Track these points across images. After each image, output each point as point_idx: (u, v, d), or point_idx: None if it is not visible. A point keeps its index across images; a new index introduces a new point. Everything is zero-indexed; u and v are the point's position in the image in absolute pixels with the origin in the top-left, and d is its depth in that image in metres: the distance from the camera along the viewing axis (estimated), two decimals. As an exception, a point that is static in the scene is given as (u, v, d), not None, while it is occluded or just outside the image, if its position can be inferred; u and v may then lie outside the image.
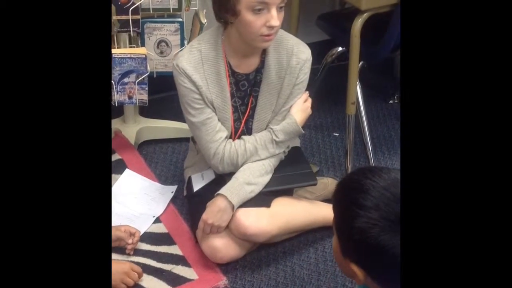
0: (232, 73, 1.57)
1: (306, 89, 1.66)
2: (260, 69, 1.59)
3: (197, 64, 1.53)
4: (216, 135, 1.59)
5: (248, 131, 1.66)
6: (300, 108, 1.63)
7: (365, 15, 1.76)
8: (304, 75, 1.60)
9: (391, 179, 0.88)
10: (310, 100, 1.66)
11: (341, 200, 0.94)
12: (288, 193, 1.71)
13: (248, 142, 1.60)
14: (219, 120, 1.60)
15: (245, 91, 1.61)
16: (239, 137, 1.64)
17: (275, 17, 1.42)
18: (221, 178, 1.65)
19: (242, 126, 1.64)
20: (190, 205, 1.77)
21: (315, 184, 1.70)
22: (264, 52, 1.57)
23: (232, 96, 1.59)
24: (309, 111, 1.65)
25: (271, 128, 1.61)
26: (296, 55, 1.57)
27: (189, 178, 1.76)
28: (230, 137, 1.64)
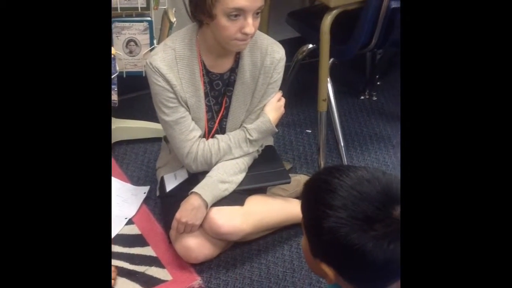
0: (207, 73, 1.57)
1: (279, 88, 1.67)
2: (234, 69, 1.58)
3: (171, 63, 1.52)
4: (190, 134, 1.58)
5: (222, 130, 1.65)
6: (274, 106, 1.63)
7: (334, 12, 1.77)
8: (278, 74, 1.60)
9: (357, 178, 0.88)
10: (283, 99, 1.66)
11: (309, 200, 0.93)
12: (261, 191, 1.71)
13: (222, 141, 1.60)
14: (192, 119, 1.59)
15: (219, 91, 1.60)
16: (212, 136, 1.64)
17: (250, 25, 1.41)
18: (194, 178, 1.64)
19: (216, 126, 1.63)
20: (163, 206, 1.76)
21: (288, 182, 1.70)
22: (238, 53, 1.56)
23: (206, 95, 1.59)
24: (282, 110, 1.66)
25: (245, 127, 1.61)
26: (270, 54, 1.57)
27: (162, 178, 1.74)
28: (204, 136, 1.63)
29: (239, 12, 1.39)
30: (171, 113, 1.55)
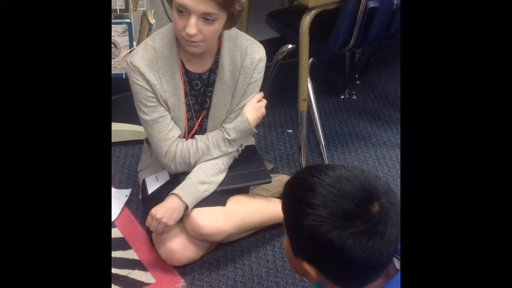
0: (186, 72, 1.57)
1: (260, 88, 1.67)
2: (214, 70, 1.58)
3: (151, 62, 1.52)
4: (169, 133, 1.58)
5: (203, 131, 1.65)
6: (253, 106, 1.63)
7: (313, 12, 1.78)
8: (258, 74, 1.60)
9: (336, 176, 0.89)
10: (264, 100, 1.66)
11: (290, 200, 0.94)
12: (243, 191, 1.72)
13: (200, 141, 1.60)
14: (172, 118, 1.58)
15: (199, 91, 1.60)
16: (192, 136, 1.64)
17: (191, 25, 1.39)
18: (176, 179, 1.63)
19: (196, 126, 1.63)
20: (145, 208, 1.75)
21: (269, 182, 1.71)
22: (217, 53, 1.56)
23: (186, 94, 1.59)
24: (262, 110, 1.66)
25: (223, 127, 1.61)
26: (250, 55, 1.57)
27: (143, 181, 1.73)
28: (184, 136, 1.63)
29: (183, 10, 1.39)
30: (150, 112, 1.55)
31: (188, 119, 1.62)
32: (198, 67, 1.57)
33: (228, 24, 1.48)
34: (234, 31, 1.56)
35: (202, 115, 1.63)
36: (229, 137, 1.60)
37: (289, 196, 0.95)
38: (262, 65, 1.60)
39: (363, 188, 0.88)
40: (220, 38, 1.55)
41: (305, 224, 0.87)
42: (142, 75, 1.51)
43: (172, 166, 1.61)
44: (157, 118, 1.56)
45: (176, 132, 1.59)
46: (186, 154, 1.59)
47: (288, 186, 0.96)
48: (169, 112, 1.58)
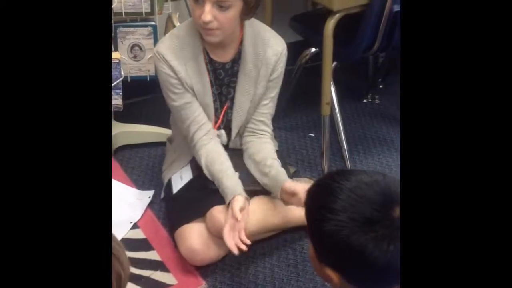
0: (210, 60, 1.60)
1: (282, 91, 1.67)
2: (237, 60, 1.61)
3: (176, 50, 1.56)
4: (196, 118, 1.61)
5: (228, 122, 1.67)
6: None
7: (337, 16, 1.78)
8: (281, 68, 1.63)
9: (357, 181, 0.90)
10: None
11: (311, 205, 0.95)
12: (265, 193, 1.72)
13: (210, 164, 1.60)
14: (201, 105, 1.61)
15: (222, 80, 1.63)
16: (219, 126, 1.66)
17: (205, 12, 1.43)
18: (199, 178, 1.64)
19: (221, 116, 1.66)
20: (168, 209, 1.77)
21: None
22: (240, 43, 1.59)
23: (211, 84, 1.61)
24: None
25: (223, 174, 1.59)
26: (272, 46, 1.60)
27: (169, 180, 1.75)
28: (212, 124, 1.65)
29: None
30: (177, 99, 1.59)
31: (215, 109, 1.64)
32: (222, 57, 1.60)
33: (245, 12, 1.50)
34: (256, 22, 1.60)
35: (226, 106, 1.65)
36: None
37: (311, 202, 0.96)
38: (284, 59, 1.63)
39: (383, 193, 0.88)
40: (242, 29, 1.56)
41: (325, 229, 0.88)
42: (167, 62, 1.55)
43: (196, 158, 1.64)
44: (184, 104, 1.59)
45: (204, 117, 1.62)
46: (197, 158, 1.63)
47: (310, 192, 0.97)
48: (196, 99, 1.60)
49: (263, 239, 1.72)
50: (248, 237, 1.62)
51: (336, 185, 0.90)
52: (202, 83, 1.59)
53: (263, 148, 1.65)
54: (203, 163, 1.61)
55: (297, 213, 1.69)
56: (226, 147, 1.69)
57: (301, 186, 1.54)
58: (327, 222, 0.88)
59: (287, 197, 1.56)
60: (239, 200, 1.52)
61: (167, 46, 1.56)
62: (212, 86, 1.61)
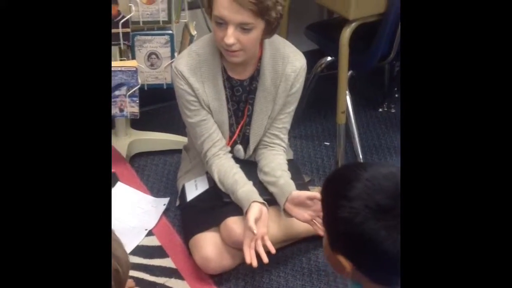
0: (228, 78, 1.59)
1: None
2: (255, 77, 1.60)
3: (194, 67, 1.56)
4: (210, 136, 1.61)
5: (245, 138, 1.67)
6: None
7: (353, 25, 1.78)
8: (299, 83, 1.62)
9: (374, 171, 0.92)
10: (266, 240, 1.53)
11: (327, 193, 0.98)
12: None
13: (222, 177, 1.61)
14: (216, 122, 1.62)
15: (240, 97, 1.62)
16: (234, 142, 1.66)
17: (228, 35, 1.42)
18: (215, 189, 1.65)
19: (237, 132, 1.66)
20: (183, 216, 1.77)
21: None
22: (259, 60, 1.58)
23: (228, 100, 1.61)
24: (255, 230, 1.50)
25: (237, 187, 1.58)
26: (291, 63, 1.59)
27: (183, 187, 1.76)
28: (227, 141, 1.65)
29: (221, 21, 1.42)
30: (193, 116, 1.60)
31: (230, 125, 1.64)
32: (240, 74, 1.60)
33: (267, 32, 1.50)
34: (276, 38, 1.58)
35: (242, 122, 1.65)
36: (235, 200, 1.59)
37: (327, 190, 0.98)
38: (303, 74, 1.62)
39: (397, 184, 0.89)
40: (261, 46, 1.57)
41: (340, 216, 0.90)
42: (185, 79, 1.55)
43: (209, 172, 1.65)
44: (199, 122, 1.60)
45: (218, 135, 1.62)
46: (210, 173, 1.64)
47: (327, 180, 1.00)
48: (212, 116, 1.60)
49: (277, 249, 1.71)
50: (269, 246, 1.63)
51: (352, 174, 0.92)
52: (218, 100, 1.59)
53: (274, 160, 1.65)
54: (216, 178, 1.62)
55: (302, 226, 1.68)
56: (241, 160, 1.69)
57: (309, 193, 1.54)
58: (342, 209, 0.90)
59: (291, 208, 1.56)
60: (254, 209, 1.51)
61: (185, 63, 1.56)
62: (228, 103, 1.62)
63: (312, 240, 1.74)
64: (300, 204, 1.55)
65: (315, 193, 1.51)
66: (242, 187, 1.57)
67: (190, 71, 1.55)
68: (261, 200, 1.54)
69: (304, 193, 1.54)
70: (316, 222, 1.55)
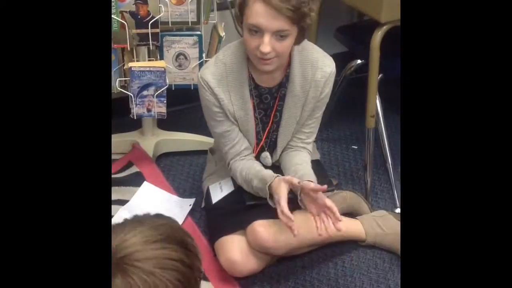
0: (255, 86, 1.58)
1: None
2: (284, 83, 1.58)
3: (220, 77, 1.54)
4: (234, 147, 1.60)
5: (272, 144, 1.66)
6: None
7: (384, 28, 1.75)
8: (329, 88, 1.60)
9: None
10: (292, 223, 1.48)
11: None
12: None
13: (246, 174, 1.58)
14: (241, 131, 1.60)
15: (268, 104, 1.61)
16: (261, 149, 1.65)
17: (265, 43, 1.39)
18: (240, 191, 1.64)
19: (263, 139, 1.64)
20: (208, 218, 1.77)
21: (332, 190, 1.67)
22: (288, 67, 1.57)
23: (255, 108, 1.60)
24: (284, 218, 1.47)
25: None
26: (321, 68, 1.57)
27: (208, 189, 1.75)
28: (253, 148, 1.64)
29: (257, 29, 1.39)
30: (218, 126, 1.58)
31: (257, 132, 1.63)
32: (268, 82, 1.58)
33: (299, 39, 1.48)
34: (304, 43, 1.56)
35: (268, 128, 1.63)
36: (256, 187, 1.56)
37: None
38: (332, 79, 1.59)
39: None
40: (290, 52, 1.54)
41: None
42: (211, 89, 1.54)
43: (234, 178, 1.65)
44: (224, 132, 1.59)
45: (243, 145, 1.61)
46: (234, 175, 1.63)
47: None
48: (238, 125, 1.59)
49: (303, 253, 1.70)
50: (290, 251, 1.61)
51: None
52: (244, 110, 1.58)
53: (296, 155, 1.63)
54: (239, 176, 1.60)
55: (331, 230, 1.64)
56: (268, 166, 1.67)
57: (313, 185, 1.45)
58: None
59: (304, 198, 1.48)
60: (283, 188, 1.45)
61: (211, 72, 1.54)
62: (255, 111, 1.60)
63: (338, 245, 1.72)
64: (307, 196, 1.49)
65: (319, 186, 1.45)
66: (262, 171, 1.56)
67: (215, 80, 1.53)
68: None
69: (307, 184, 1.46)
70: (318, 220, 1.47)
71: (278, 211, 1.45)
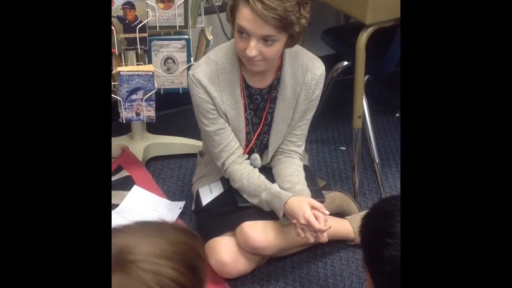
0: (246, 87, 1.59)
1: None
2: (275, 86, 1.60)
3: (212, 76, 1.55)
4: (228, 145, 1.61)
5: (263, 146, 1.67)
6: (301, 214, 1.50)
7: (370, 30, 1.77)
8: (319, 90, 1.62)
9: None
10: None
11: (368, 232, 0.91)
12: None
13: (246, 179, 1.59)
14: (232, 130, 1.61)
15: (258, 105, 1.62)
16: (250, 150, 1.66)
17: (251, 47, 1.41)
18: (230, 192, 1.65)
19: (253, 140, 1.65)
20: (198, 220, 1.78)
21: (323, 201, 1.69)
22: (279, 69, 1.58)
23: (245, 108, 1.61)
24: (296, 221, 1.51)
25: (270, 190, 1.56)
26: (311, 71, 1.59)
27: (197, 192, 1.76)
28: (243, 148, 1.65)
29: (244, 32, 1.41)
30: (211, 124, 1.59)
31: (247, 133, 1.64)
32: (259, 83, 1.59)
33: (289, 44, 1.49)
34: (295, 47, 1.58)
35: (259, 130, 1.65)
36: (263, 199, 1.57)
37: (367, 229, 0.92)
38: (322, 80, 1.62)
39: None
40: (281, 55, 1.56)
41: (386, 255, 0.84)
42: (203, 87, 1.55)
43: (226, 177, 1.65)
44: (217, 130, 1.59)
45: (236, 144, 1.62)
46: (232, 177, 1.62)
47: (366, 218, 0.93)
48: (229, 124, 1.60)
49: (293, 253, 1.71)
50: (279, 252, 1.62)
51: (392, 207, 0.87)
52: (236, 109, 1.59)
53: (290, 166, 1.64)
54: (239, 179, 1.60)
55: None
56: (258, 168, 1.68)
57: (314, 202, 1.51)
58: (387, 247, 0.84)
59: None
60: (305, 206, 1.49)
61: (203, 71, 1.55)
62: (245, 111, 1.61)
63: (328, 245, 1.73)
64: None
65: (316, 202, 1.51)
66: (272, 186, 1.57)
67: (208, 79, 1.54)
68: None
69: (319, 216, 1.49)
70: (298, 226, 1.50)
71: (314, 228, 1.47)
